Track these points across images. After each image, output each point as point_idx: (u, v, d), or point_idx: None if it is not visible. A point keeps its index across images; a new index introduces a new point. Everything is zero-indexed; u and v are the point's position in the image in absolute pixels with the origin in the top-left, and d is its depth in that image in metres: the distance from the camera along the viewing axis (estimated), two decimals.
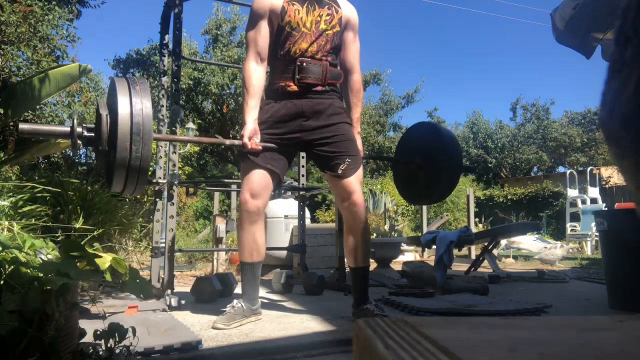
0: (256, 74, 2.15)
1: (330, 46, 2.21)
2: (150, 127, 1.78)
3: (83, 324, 1.39)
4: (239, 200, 2.21)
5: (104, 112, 1.74)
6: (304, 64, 2.14)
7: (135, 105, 1.70)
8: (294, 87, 2.15)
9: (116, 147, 1.69)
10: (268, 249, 4.91)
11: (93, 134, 1.78)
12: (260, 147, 2.11)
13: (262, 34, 2.17)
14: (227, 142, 2.42)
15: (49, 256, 1.40)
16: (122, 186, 1.85)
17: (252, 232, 2.15)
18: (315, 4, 2.19)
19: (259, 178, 2.13)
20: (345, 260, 2.39)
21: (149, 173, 2.00)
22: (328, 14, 2.21)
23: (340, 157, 2.18)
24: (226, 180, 4.79)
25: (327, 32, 2.20)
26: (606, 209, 8.29)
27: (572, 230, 9.19)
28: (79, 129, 1.76)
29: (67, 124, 1.82)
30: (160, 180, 2.84)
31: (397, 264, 5.08)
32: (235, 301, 2.16)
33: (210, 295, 2.81)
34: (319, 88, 2.18)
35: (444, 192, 2.66)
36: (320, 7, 2.20)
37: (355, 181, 2.20)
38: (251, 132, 2.11)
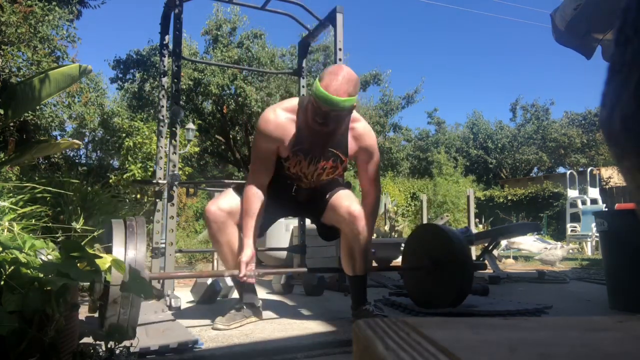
0: (257, 199, 2.08)
1: (328, 179, 2.23)
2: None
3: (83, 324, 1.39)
4: (204, 214, 2.19)
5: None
6: (300, 188, 2.22)
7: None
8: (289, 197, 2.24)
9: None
10: (268, 249, 4.92)
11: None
12: (254, 280, 2.11)
13: (269, 168, 2.11)
14: (227, 273, 2.19)
15: (49, 257, 1.40)
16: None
17: (226, 241, 2.12)
18: (320, 157, 2.12)
19: (234, 201, 2.14)
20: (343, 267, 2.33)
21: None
22: (332, 167, 2.16)
23: (323, 195, 2.22)
24: (226, 181, 4.79)
25: (325, 180, 2.21)
26: (606, 209, 8.29)
27: (572, 230, 9.19)
28: None
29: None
30: (160, 181, 2.84)
31: (397, 264, 5.08)
32: (235, 302, 2.19)
33: (210, 296, 2.81)
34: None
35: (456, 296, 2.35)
36: (324, 159, 2.13)
37: (343, 196, 2.18)
38: (249, 258, 2.05)
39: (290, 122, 2.06)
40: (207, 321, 2.23)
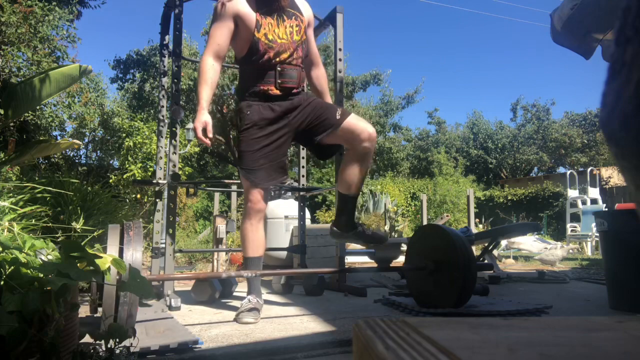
0: (213, 69, 2.28)
1: (302, 53, 2.40)
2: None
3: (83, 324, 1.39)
4: (247, 199, 2.30)
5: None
6: (284, 69, 2.31)
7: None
8: (276, 91, 2.30)
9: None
10: (268, 249, 4.92)
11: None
12: (208, 142, 2.22)
13: (226, 35, 2.28)
14: (224, 274, 2.40)
15: (49, 257, 1.40)
16: None
17: (259, 228, 2.31)
18: (283, 16, 2.33)
19: (260, 191, 2.30)
20: (338, 186, 2.47)
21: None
22: (296, 25, 2.37)
23: (328, 111, 2.36)
24: (226, 181, 4.79)
25: (298, 42, 2.37)
26: (606, 209, 8.29)
27: (572, 230, 9.19)
28: None
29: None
30: (160, 181, 2.84)
31: (397, 265, 5.08)
32: (250, 297, 2.25)
33: (210, 295, 2.81)
34: (295, 90, 2.35)
35: (460, 296, 2.33)
36: (288, 18, 2.35)
37: (358, 118, 2.37)
38: (203, 124, 2.19)
39: None
40: (207, 321, 2.24)
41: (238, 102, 2.37)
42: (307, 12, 2.47)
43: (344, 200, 2.45)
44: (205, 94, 2.26)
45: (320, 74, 2.59)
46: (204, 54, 2.31)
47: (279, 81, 2.28)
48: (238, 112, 2.32)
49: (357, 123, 2.32)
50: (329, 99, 2.61)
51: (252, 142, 2.26)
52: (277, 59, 2.29)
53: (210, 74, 2.28)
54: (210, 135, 2.21)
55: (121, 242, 1.77)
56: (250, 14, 2.26)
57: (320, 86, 2.60)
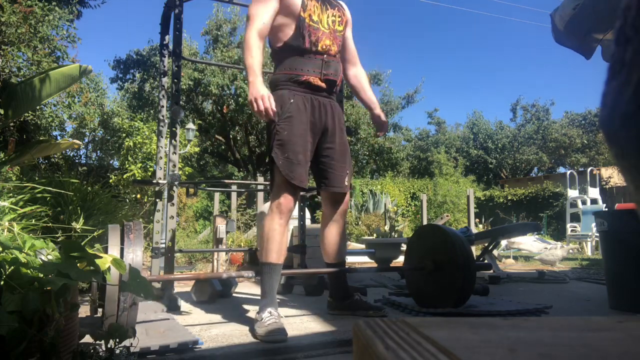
0: (258, 45, 2.07)
1: (339, 47, 2.31)
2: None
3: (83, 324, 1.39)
4: (278, 194, 2.09)
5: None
6: (329, 61, 2.21)
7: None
8: (321, 83, 2.17)
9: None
10: None
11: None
12: (272, 115, 2.00)
13: (271, 13, 2.12)
14: (225, 275, 2.38)
15: (49, 257, 1.40)
16: None
17: (283, 232, 2.11)
18: (327, 4, 2.27)
19: (296, 189, 2.12)
20: (326, 258, 2.41)
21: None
22: (339, 16, 2.31)
23: (343, 169, 2.29)
24: (226, 181, 4.79)
25: (339, 33, 2.30)
26: (606, 209, 8.28)
27: (572, 230, 9.19)
28: None
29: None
30: (160, 181, 2.84)
31: (397, 265, 5.08)
32: (270, 310, 1.99)
33: (211, 296, 2.81)
34: (337, 87, 2.29)
35: (459, 296, 2.33)
36: (331, 7, 2.28)
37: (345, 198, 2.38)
38: (264, 96, 1.96)
39: None
40: (207, 321, 2.23)
41: (272, 90, 2.14)
42: (347, 10, 2.43)
43: (332, 267, 2.39)
44: (258, 63, 2.03)
45: (359, 72, 2.51)
46: (247, 31, 2.09)
47: (325, 72, 2.17)
48: (277, 99, 2.08)
49: (346, 194, 2.34)
50: (370, 93, 2.54)
51: (295, 133, 2.09)
52: (322, 46, 2.17)
53: (258, 45, 2.06)
54: (271, 105, 1.98)
55: (121, 243, 1.77)
56: None
57: (359, 83, 2.51)
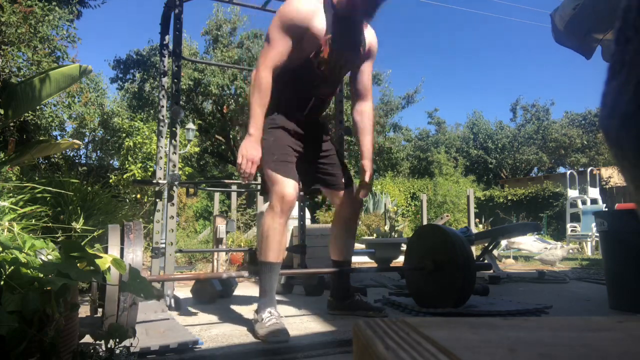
0: (269, 86, 2.01)
1: (339, 90, 2.34)
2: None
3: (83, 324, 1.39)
4: (277, 192, 2.00)
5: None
6: (320, 103, 2.22)
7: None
8: (301, 118, 2.17)
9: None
10: None
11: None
12: (254, 170, 2.00)
13: (289, 47, 2.01)
14: (225, 275, 2.38)
15: (49, 257, 1.40)
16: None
17: (283, 231, 2.03)
18: (347, 48, 2.13)
19: (295, 183, 2.05)
20: (331, 254, 2.40)
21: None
22: (352, 60, 2.21)
23: (343, 171, 2.31)
24: (226, 181, 4.79)
25: (344, 78, 2.28)
26: (606, 209, 8.28)
27: (572, 230, 9.19)
28: None
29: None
30: (160, 181, 2.84)
31: (397, 265, 5.08)
32: (270, 309, 1.96)
33: (211, 296, 2.81)
34: (318, 118, 2.30)
35: (459, 297, 2.33)
36: (349, 49, 2.15)
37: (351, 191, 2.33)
38: (253, 159, 1.98)
39: (319, 5, 2.02)
40: (207, 321, 2.23)
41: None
42: (371, 42, 2.26)
43: (337, 267, 2.38)
44: (263, 113, 2.00)
45: (365, 109, 2.31)
46: (263, 67, 1.99)
47: (308, 112, 2.18)
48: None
49: (353, 191, 2.30)
50: (368, 139, 2.31)
51: (281, 138, 2.09)
52: (318, 91, 2.16)
53: (270, 86, 2.00)
54: (253, 171, 1.98)
55: (121, 243, 1.77)
56: (319, 35, 2.00)
57: (362, 122, 2.31)
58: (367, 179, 2.25)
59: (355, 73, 2.29)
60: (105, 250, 1.72)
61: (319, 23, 2.00)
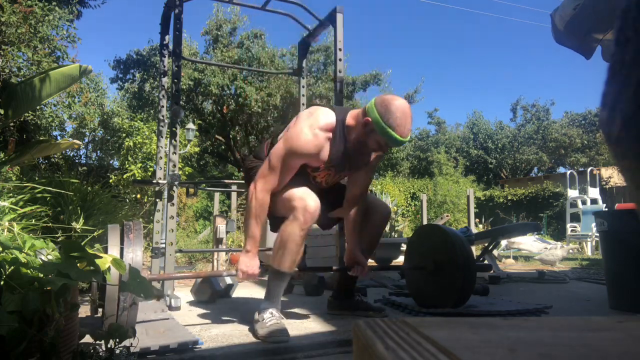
0: (267, 207, 2.03)
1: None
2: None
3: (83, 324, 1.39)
4: (301, 206, 1.96)
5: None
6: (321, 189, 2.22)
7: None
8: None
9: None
10: (268, 249, 4.91)
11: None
12: (254, 278, 2.09)
13: (288, 179, 2.03)
14: (225, 274, 2.57)
15: (49, 257, 1.40)
16: None
17: (302, 243, 2.01)
18: (346, 170, 2.15)
19: (315, 197, 2.02)
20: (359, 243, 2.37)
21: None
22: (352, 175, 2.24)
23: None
24: (226, 181, 4.79)
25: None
26: (606, 209, 8.28)
27: (572, 230, 9.19)
28: None
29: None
30: (160, 181, 2.84)
31: (397, 265, 5.07)
32: (273, 310, 1.97)
33: (211, 296, 2.81)
34: None
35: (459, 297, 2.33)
36: (349, 171, 2.18)
37: (374, 198, 2.44)
38: (253, 272, 2.04)
39: (327, 141, 2.01)
40: (207, 321, 2.23)
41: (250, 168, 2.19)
42: (378, 156, 2.23)
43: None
44: (258, 234, 2.05)
45: (352, 213, 2.26)
46: (261, 187, 2.01)
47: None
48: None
49: (380, 202, 2.36)
50: (355, 237, 2.30)
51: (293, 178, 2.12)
52: (319, 186, 2.19)
53: (265, 213, 2.04)
54: (255, 277, 2.07)
55: (121, 242, 1.77)
56: (319, 161, 2.03)
57: (351, 217, 2.26)
58: (364, 274, 2.29)
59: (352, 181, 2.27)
60: (105, 250, 1.72)
61: (323, 155, 2.02)
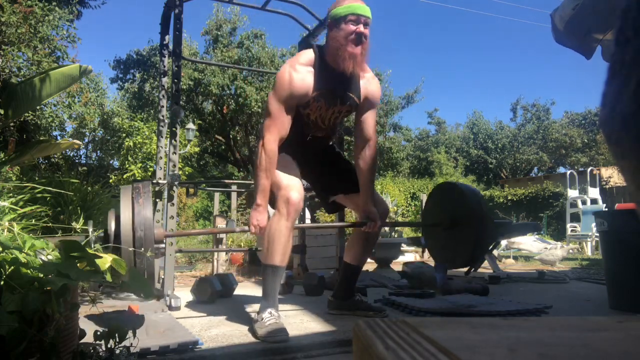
0: (276, 157, 2.07)
1: (334, 133, 2.35)
2: (151, 240, 1.97)
3: (83, 324, 1.39)
4: (286, 196, 2.01)
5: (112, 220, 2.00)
6: (317, 140, 2.29)
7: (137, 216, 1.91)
8: (306, 140, 2.27)
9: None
10: None
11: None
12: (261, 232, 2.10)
13: (290, 114, 2.08)
14: (237, 229, 2.57)
15: (49, 257, 1.40)
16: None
17: (289, 235, 2.05)
18: (338, 100, 2.17)
19: (300, 184, 2.10)
20: (345, 256, 2.41)
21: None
22: (346, 111, 2.25)
23: (353, 174, 2.31)
24: (226, 181, 4.79)
25: (339, 124, 2.31)
26: (606, 209, 8.28)
27: (572, 230, 9.19)
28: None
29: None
30: (160, 181, 2.84)
31: (397, 265, 5.08)
32: (270, 310, 1.96)
33: (211, 295, 2.81)
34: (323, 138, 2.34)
35: (474, 254, 2.38)
36: (341, 104, 2.19)
37: (377, 195, 2.41)
38: (263, 226, 2.07)
39: (310, 74, 2.10)
40: (207, 321, 2.23)
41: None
42: (369, 92, 2.24)
43: (348, 270, 2.39)
44: (268, 187, 2.06)
45: (367, 156, 2.25)
46: (269, 140, 2.04)
47: (312, 134, 2.26)
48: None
49: (380, 198, 2.36)
50: (366, 186, 2.27)
51: (284, 155, 2.15)
52: (310, 134, 2.25)
53: (275, 163, 2.06)
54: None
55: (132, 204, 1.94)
56: (307, 93, 2.09)
57: (364, 169, 2.25)
58: (376, 228, 2.26)
59: (357, 122, 2.28)
60: (118, 212, 1.90)
61: (308, 84, 2.09)
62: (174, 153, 2.72)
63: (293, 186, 2.04)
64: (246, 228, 2.16)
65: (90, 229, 2.00)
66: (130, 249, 1.87)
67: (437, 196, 2.71)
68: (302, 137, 2.24)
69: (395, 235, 6.09)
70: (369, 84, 2.24)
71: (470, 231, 2.35)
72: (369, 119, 2.27)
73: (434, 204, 2.68)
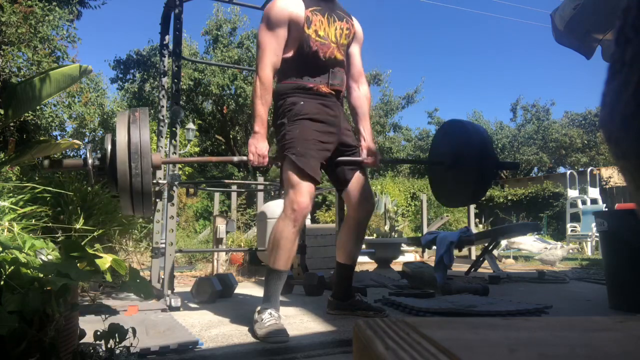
0: (271, 83, 2.10)
1: (345, 58, 2.30)
2: (148, 148, 1.92)
3: (83, 324, 1.39)
4: (293, 199, 2.00)
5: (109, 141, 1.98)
6: (335, 71, 2.21)
7: (133, 133, 1.89)
8: (329, 91, 2.18)
9: (116, 168, 1.85)
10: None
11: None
12: (265, 162, 2.09)
13: (282, 44, 2.11)
14: (235, 159, 2.47)
15: (50, 257, 1.40)
16: (130, 208, 1.98)
17: (295, 240, 2.04)
18: (334, 16, 2.21)
19: (311, 187, 2.06)
20: (337, 256, 2.39)
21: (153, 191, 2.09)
22: (347, 28, 2.27)
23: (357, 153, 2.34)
24: (226, 181, 4.79)
25: (346, 45, 2.29)
26: (606, 209, 8.28)
27: (572, 230, 9.19)
28: (90, 160, 1.96)
29: (82, 151, 2.03)
30: (160, 181, 2.84)
31: (397, 265, 5.08)
32: (271, 311, 1.97)
33: (211, 295, 2.81)
34: (342, 95, 2.28)
35: (475, 192, 2.42)
36: (339, 19, 2.23)
37: (367, 185, 2.37)
38: (262, 154, 2.07)
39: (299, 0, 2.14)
40: (207, 321, 2.23)
41: (279, 99, 2.16)
42: (357, 25, 2.35)
43: (342, 270, 2.38)
44: (265, 114, 2.08)
45: (362, 93, 2.37)
46: (262, 68, 2.08)
47: (332, 82, 2.18)
48: (287, 106, 2.12)
49: (369, 188, 2.33)
50: (367, 122, 2.39)
51: (307, 131, 2.08)
52: (329, 58, 2.17)
53: (271, 85, 2.10)
54: (265, 163, 2.09)
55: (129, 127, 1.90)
56: (300, 13, 2.11)
57: (360, 107, 2.36)
58: (373, 149, 2.35)
59: (348, 55, 2.33)
60: (114, 135, 1.89)
61: (299, 6, 2.12)
62: (174, 153, 2.72)
63: (304, 189, 2.02)
64: (244, 158, 2.16)
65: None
66: (127, 172, 1.85)
67: (444, 132, 2.73)
68: (324, 71, 2.17)
69: (395, 235, 6.09)
70: (350, 17, 2.32)
71: (471, 170, 2.36)
72: (356, 52, 2.36)
73: (441, 139, 2.70)
